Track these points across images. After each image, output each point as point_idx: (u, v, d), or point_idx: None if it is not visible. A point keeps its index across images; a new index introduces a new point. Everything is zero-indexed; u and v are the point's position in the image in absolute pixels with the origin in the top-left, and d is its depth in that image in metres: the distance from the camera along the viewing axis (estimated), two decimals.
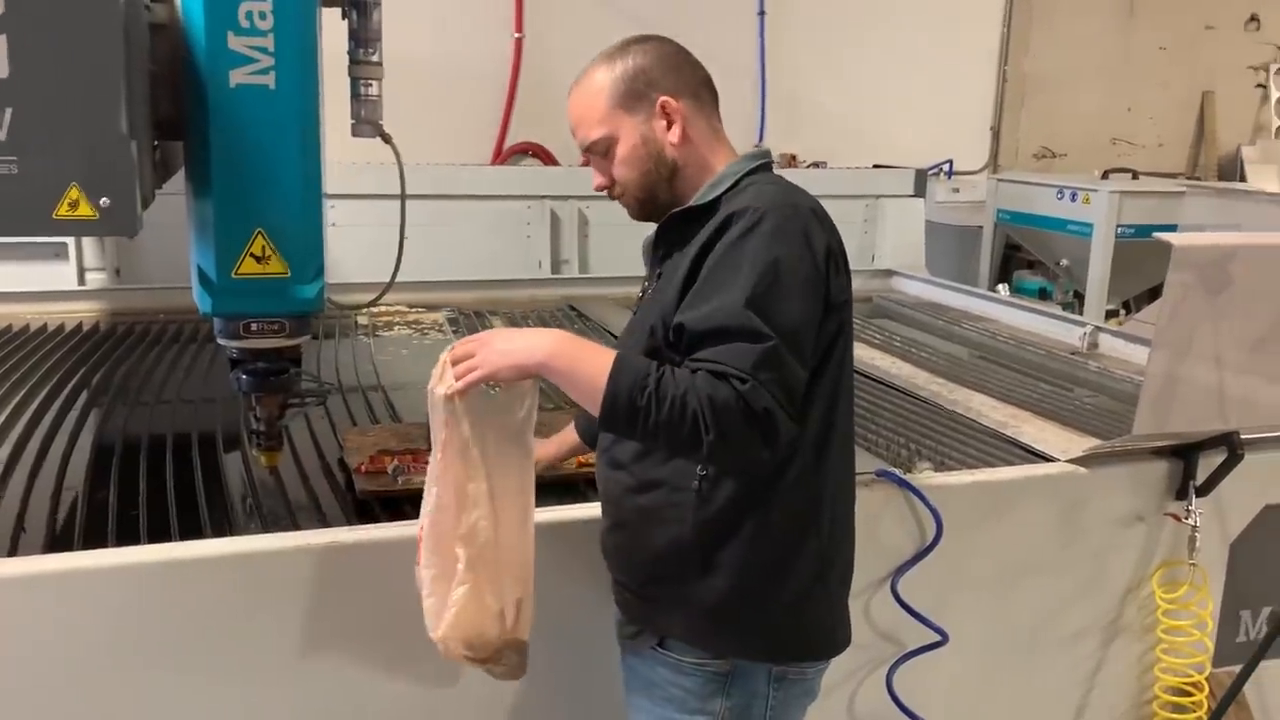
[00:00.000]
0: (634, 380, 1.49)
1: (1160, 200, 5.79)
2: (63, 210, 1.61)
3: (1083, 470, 2.36)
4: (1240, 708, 2.53)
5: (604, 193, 1.78)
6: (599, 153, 1.73)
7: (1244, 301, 2.21)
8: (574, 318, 4.11)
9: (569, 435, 2.17)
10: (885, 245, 5.13)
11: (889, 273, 4.97)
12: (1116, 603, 2.45)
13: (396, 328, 3.91)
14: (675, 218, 1.70)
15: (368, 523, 2.02)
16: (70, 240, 3.91)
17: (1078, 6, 7.64)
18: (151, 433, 2.66)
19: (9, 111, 1.57)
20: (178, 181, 1.96)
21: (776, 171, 1.78)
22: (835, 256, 1.62)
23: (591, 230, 4.70)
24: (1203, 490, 2.38)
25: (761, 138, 6.62)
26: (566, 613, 1.91)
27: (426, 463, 1.68)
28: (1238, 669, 2.47)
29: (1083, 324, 3.91)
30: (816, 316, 1.57)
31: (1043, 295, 6.27)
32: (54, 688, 1.73)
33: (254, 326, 1.93)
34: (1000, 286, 6.09)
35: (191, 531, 2.04)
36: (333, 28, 2.03)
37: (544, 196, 4.69)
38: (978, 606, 2.33)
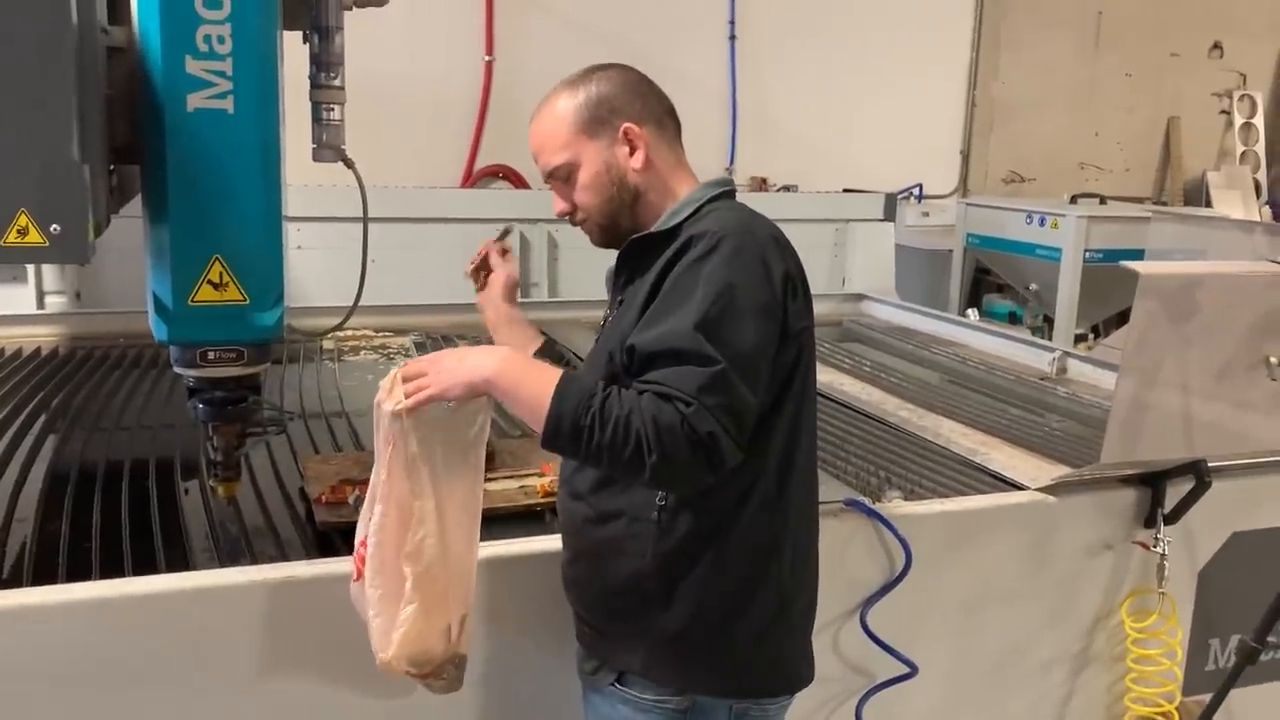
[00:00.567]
0: (578, 401, 1.48)
1: (1127, 225, 5.84)
2: (11, 237, 1.57)
3: (1051, 499, 2.36)
4: None
5: (566, 218, 1.77)
6: (561, 178, 1.73)
7: (1210, 329, 2.21)
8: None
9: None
10: (855, 269, 5.14)
11: (859, 297, 4.97)
12: (1086, 632, 2.44)
13: (363, 352, 3.86)
14: (636, 243, 1.69)
15: (327, 555, 1.98)
16: None
17: (1044, 33, 7.75)
18: (109, 459, 2.60)
19: None
20: (140, 203, 1.92)
21: (742, 197, 1.77)
22: (794, 282, 1.61)
23: (561, 254, 4.68)
24: (1170, 518, 2.38)
25: (732, 161, 6.65)
26: (529, 649, 1.87)
27: None
28: (1208, 697, 2.47)
29: (1052, 349, 3.92)
30: (771, 343, 1.56)
31: (1013, 319, 6.30)
32: None
33: (211, 355, 1.88)
34: (970, 311, 6.12)
35: (146, 564, 1.99)
36: (295, 51, 2.01)
37: (514, 220, 4.66)
38: (947, 637, 2.31)
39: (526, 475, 2.39)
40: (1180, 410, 2.25)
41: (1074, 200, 6.53)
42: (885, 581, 2.16)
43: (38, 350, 3.61)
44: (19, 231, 1.56)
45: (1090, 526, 2.39)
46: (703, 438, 1.44)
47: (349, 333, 3.91)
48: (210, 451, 2.09)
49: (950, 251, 6.54)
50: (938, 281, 6.53)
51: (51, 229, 1.58)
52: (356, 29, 2.06)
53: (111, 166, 1.85)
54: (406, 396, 1.57)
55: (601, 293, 1.85)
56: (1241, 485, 2.52)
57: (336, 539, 2.11)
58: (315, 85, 2.01)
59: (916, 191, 7.22)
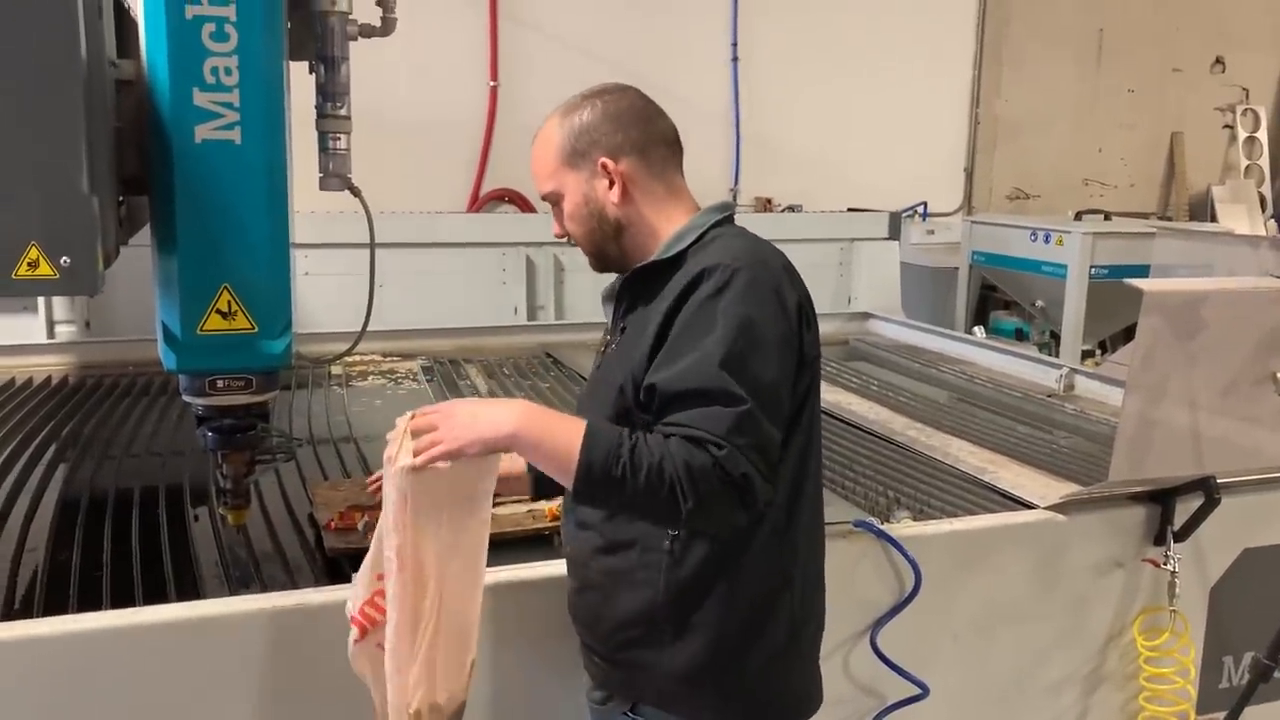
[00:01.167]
0: (608, 450, 1.45)
1: (1132, 241, 5.84)
2: (22, 270, 1.59)
3: (1061, 517, 2.35)
4: None
5: (565, 239, 1.77)
6: (553, 204, 1.73)
7: (1216, 346, 2.21)
8: (550, 365, 4.09)
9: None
10: (861, 288, 5.16)
11: (865, 315, 4.97)
12: (1098, 651, 2.43)
13: (370, 377, 3.87)
14: (639, 272, 1.67)
15: (337, 580, 1.98)
16: None
17: (1046, 50, 7.77)
18: (119, 487, 2.61)
19: None
20: (149, 232, 1.94)
21: (746, 218, 1.76)
22: (806, 312, 1.61)
23: (567, 276, 4.71)
24: (1180, 535, 2.37)
25: (737, 182, 6.67)
26: (535, 677, 1.87)
27: None
28: (1222, 715, 2.45)
29: (1059, 366, 3.92)
30: (790, 375, 1.55)
31: (1019, 336, 6.30)
32: None
33: (220, 383, 1.90)
34: (976, 328, 6.12)
35: (157, 592, 2.00)
36: (303, 81, 2.03)
37: (520, 244, 4.70)
38: (958, 658, 2.30)
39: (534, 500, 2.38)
40: (1188, 427, 2.24)
41: (1078, 216, 6.53)
42: (895, 602, 2.16)
43: (48, 379, 3.63)
44: (30, 264, 1.58)
45: (1100, 545, 2.38)
46: (737, 480, 1.43)
47: (357, 358, 3.93)
48: (220, 479, 2.11)
49: (955, 269, 6.55)
50: (943, 299, 6.53)
51: (62, 261, 1.60)
52: (362, 57, 2.07)
53: (120, 198, 1.87)
54: (417, 453, 1.52)
55: None
56: (1251, 501, 2.51)
57: (346, 564, 2.11)
58: (322, 115, 2.03)
59: (921, 209, 7.24)
